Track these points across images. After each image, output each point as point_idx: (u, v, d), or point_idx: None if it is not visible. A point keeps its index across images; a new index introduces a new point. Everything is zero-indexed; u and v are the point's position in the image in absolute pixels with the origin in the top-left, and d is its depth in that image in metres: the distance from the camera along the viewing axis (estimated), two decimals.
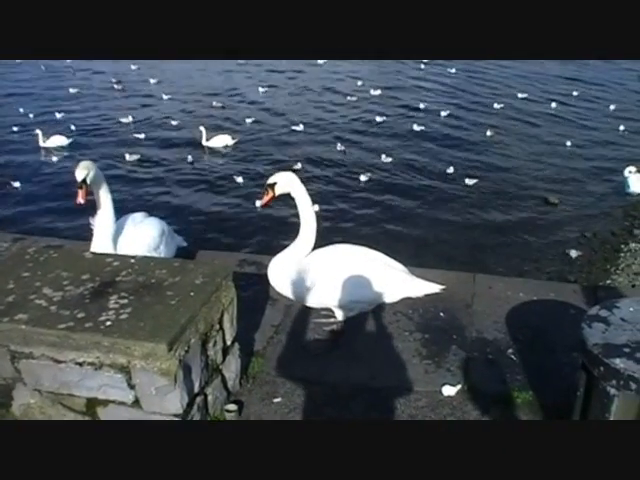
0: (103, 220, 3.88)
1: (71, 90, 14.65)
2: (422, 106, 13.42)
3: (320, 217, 3.92)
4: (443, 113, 13.03)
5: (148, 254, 3.91)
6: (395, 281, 3.59)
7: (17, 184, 9.55)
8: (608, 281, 7.81)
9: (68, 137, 11.28)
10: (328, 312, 3.81)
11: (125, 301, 2.87)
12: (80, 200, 3.77)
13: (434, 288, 3.66)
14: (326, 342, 3.78)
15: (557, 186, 10.59)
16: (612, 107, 13.66)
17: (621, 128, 12.45)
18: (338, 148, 11.15)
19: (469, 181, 10.01)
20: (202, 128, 11.17)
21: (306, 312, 4.01)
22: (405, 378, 3.47)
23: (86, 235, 5.45)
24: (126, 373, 2.67)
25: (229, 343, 3.22)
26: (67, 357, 2.74)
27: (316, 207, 7.10)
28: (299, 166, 10.10)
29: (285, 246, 3.67)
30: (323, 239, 3.77)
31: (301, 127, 12.13)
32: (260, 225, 8.53)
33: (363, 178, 9.86)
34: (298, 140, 11.76)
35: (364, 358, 3.64)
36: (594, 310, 2.61)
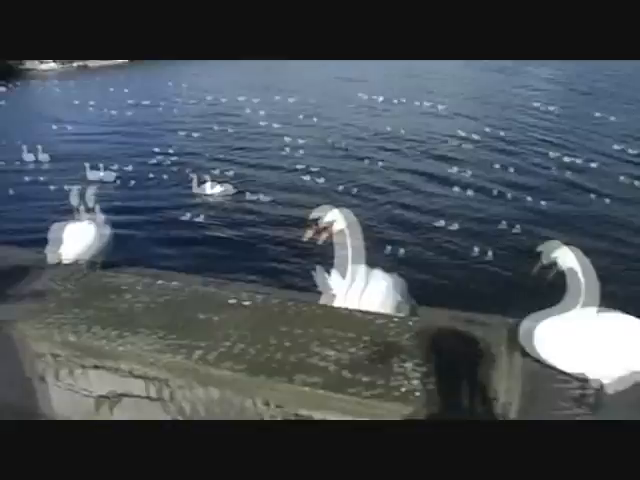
0: (354, 273, 3.77)
1: None
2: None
3: None
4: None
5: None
6: None
7: None
8: None
9: None
10: (567, 376, 3.63)
11: (424, 369, 2.74)
12: (319, 240, 3.84)
13: None
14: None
15: None
16: None
17: None
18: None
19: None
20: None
21: (534, 375, 3.80)
22: None
23: None
24: None
25: None
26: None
27: None
28: None
29: None
30: None
31: None
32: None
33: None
34: None
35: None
36: None
